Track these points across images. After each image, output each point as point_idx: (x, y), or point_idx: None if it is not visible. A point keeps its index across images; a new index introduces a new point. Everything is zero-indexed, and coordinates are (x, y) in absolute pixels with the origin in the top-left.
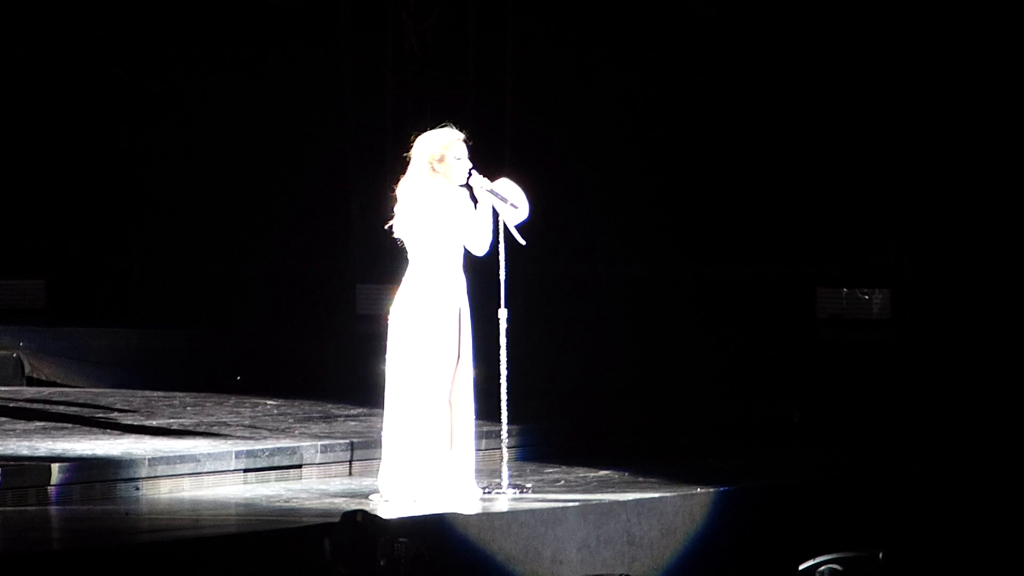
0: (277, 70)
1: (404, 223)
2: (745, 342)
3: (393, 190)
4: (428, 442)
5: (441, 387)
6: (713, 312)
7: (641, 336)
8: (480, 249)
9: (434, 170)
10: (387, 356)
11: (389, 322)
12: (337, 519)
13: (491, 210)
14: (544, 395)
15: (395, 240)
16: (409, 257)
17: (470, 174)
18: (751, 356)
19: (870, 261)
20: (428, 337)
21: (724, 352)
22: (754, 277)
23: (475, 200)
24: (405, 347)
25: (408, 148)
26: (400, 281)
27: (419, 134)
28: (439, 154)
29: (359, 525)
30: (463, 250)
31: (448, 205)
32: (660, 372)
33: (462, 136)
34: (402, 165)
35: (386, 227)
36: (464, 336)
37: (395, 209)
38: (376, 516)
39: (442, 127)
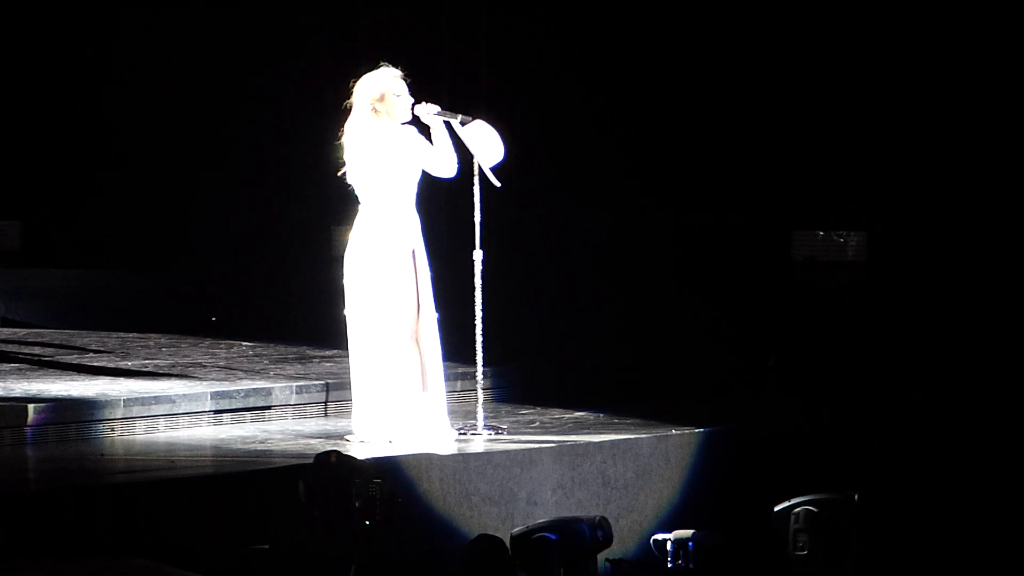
0: (253, 18)
1: (353, 167)
2: (721, 285)
3: (338, 138)
4: (400, 383)
5: (404, 327)
6: (689, 256)
7: (617, 280)
8: (447, 172)
9: (376, 111)
10: (346, 300)
11: (344, 264)
12: (312, 460)
13: (446, 131)
14: (520, 336)
15: (348, 186)
16: (359, 199)
17: (414, 105)
18: (726, 300)
19: (845, 203)
20: (384, 278)
21: (699, 296)
22: (729, 221)
23: (426, 129)
24: (363, 290)
25: (348, 95)
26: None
27: (356, 80)
28: (379, 93)
29: (333, 466)
30: (415, 189)
31: (396, 143)
32: (637, 314)
33: (399, 73)
34: (345, 112)
35: (339, 175)
36: (422, 275)
37: (344, 156)
38: (350, 457)
39: (379, 67)
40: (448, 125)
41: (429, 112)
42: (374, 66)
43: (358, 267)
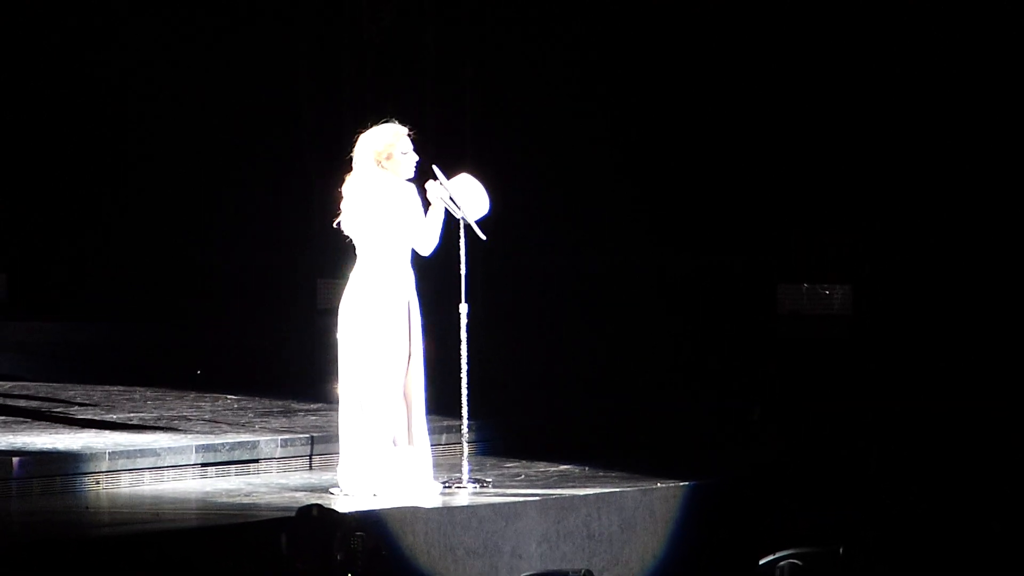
0: (235, 61)
1: (352, 220)
2: (706, 337)
3: (339, 188)
4: (386, 437)
5: (395, 382)
6: (674, 308)
7: (602, 331)
8: (425, 250)
9: (381, 166)
10: (339, 350)
11: (339, 318)
12: (295, 514)
13: (442, 215)
14: (505, 389)
15: (345, 238)
16: (357, 253)
17: (433, 174)
18: (712, 352)
19: (831, 256)
20: (379, 333)
21: (685, 347)
22: (716, 273)
23: (426, 203)
24: (356, 343)
25: (352, 147)
26: (348, 277)
27: (361, 132)
28: (386, 151)
29: (315, 519)
30: (411, 245)
31: (396, 200)
32: (622, 366)
33: (407, 131)
34: (347, 165)
35: (334, 224)
36: (414, 331)
37: (341, 206)
38: (332, 510)
39: (385, 122)
40: (448, 211)
41: (437, 195)
42: (390, 116)
43: (353, 319)
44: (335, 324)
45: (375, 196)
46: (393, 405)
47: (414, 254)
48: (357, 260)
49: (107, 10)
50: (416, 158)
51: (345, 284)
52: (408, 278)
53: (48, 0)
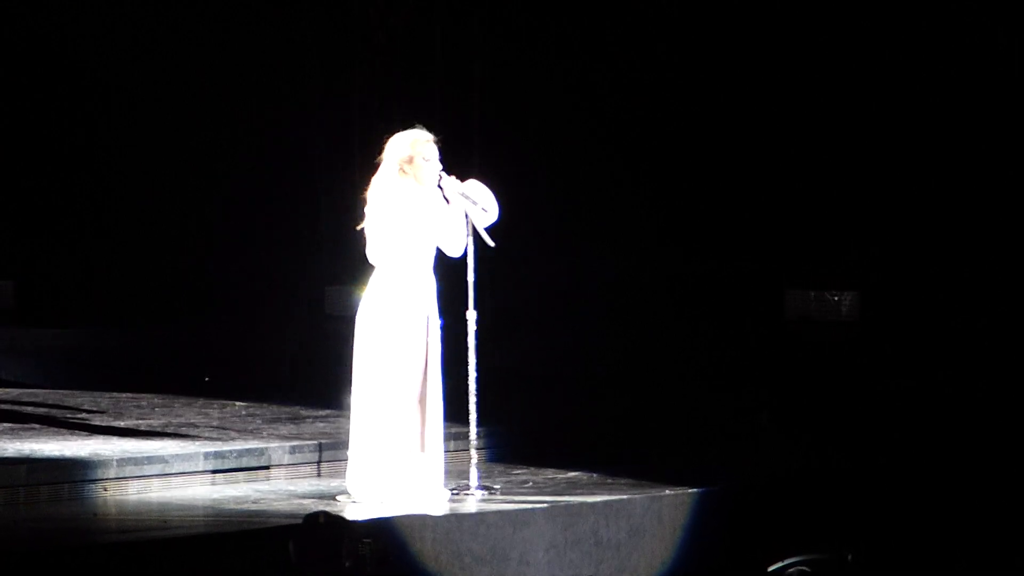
0: (244, 66)
1: (374, 225)
2: (714, 343)
3: (363, 192)
4: (399, 444)
5: (411, 389)
6: (682, 313)
7: (610, 336)
8: (455, 250)
9: (403, 171)
10: (354, 357)
11: (356, 323)
12: (302, 521)
13: (462, 211)
14: (513, 396)
15: (362, 243)
16: (370, 257)
17: (442, 176)
18: (720, 357)
19: (838, 262)
20: (397, 340)
21: (693, 353)
22: (723, 279)
23: (447, 201)
24: (374, 350)
25: (380, 151)
26: (367, 282)
27: (391, 136)
28: (408, 155)
29: (322, 527)
30: (434, 252)
31: (417, 206)
32: (630, 372)
33: (432, 137)
34: (372, 167)
35: (357, 228)
36: (432, 339)
37: (365, 211)
38: (340, 517)
39: (412, 128)
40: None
41: (456, 189)
42: (399, 121)
43: (371, 327)
44: (351, 329)
45: (397, 203)
46: (406, 413)
47: (437, 261)
48: (376, 268)
49: (116, 14)
50: (439, 166)
51: (354, 290)
52: (429, 285)
53: (58, 4)
